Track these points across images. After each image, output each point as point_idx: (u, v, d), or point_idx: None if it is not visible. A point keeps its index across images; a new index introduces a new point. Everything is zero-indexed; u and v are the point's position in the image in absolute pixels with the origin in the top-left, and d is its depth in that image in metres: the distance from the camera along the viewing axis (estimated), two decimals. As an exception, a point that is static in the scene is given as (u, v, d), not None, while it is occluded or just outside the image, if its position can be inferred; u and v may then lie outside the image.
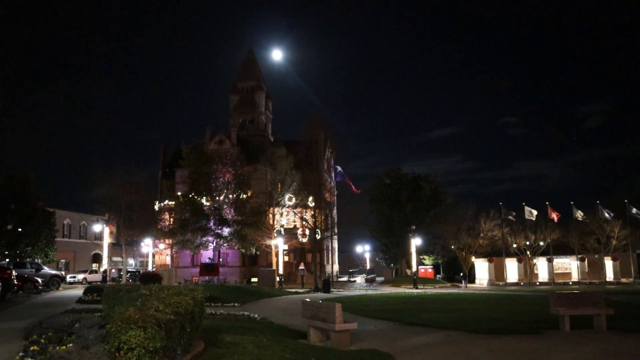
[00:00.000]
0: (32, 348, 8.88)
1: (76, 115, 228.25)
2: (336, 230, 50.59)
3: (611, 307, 15.80)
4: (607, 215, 54.42)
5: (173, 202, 51.37)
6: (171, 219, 51.16)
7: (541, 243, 54.79)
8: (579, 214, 55.36)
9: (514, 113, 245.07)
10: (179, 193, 49.56)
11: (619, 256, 55.54)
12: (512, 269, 56.11)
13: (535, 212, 54.88)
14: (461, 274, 54.56)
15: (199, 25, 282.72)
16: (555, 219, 55.24)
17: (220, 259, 51.94)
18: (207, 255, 50.84)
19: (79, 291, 30.00)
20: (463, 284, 51.53)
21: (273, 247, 51.12)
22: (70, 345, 8.66)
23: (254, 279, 49.19)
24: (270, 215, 51.53)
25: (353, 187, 50.18)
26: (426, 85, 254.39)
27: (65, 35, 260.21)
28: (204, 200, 45.50)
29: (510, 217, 55.35)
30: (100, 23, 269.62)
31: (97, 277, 49.23)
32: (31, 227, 46.60)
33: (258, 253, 53.71)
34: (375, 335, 14.90)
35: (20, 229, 45.84)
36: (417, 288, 43.99)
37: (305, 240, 52.36)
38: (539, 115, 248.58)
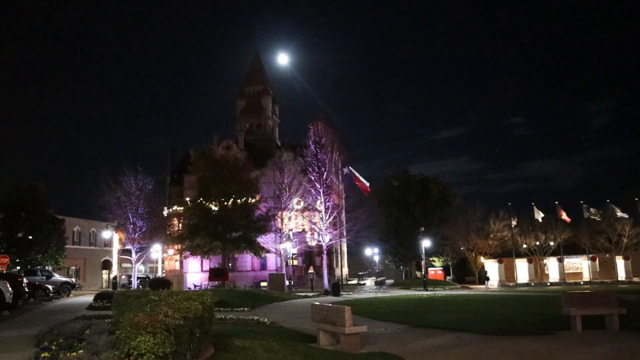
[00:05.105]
0: (43, 355, 8.92)
1: (83, 122, 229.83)
2: (345, 233, 50.43)
3: (623, 307, 15.63)
4: (619, 214, 53.94)
5: (182, 208, 51.48)
6: (180, 225, 51.28)
7: (551, 243, 54.42)
8: (592, 211, 54.91)
9: (520, 113, 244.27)
10: (188, 198, 49.68)
11: (630, 255, 55.07)
12: (522, 270, 55.78)
13: (541, 215, 54.55)
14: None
15: (205, 31, 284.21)
16: (567, 220, 54.89)
17: (230, 264, 51.93)
18: (216, 260, 50.86)
19: (89, 298, 30.14)
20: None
21: (282, 251, 51.07)
22: (81, 351, 8.67)
23: (264, 283, 49.19)
24: (279, 220, 51.54)
25: (365, 185, 50.02)
26: (432, 87, 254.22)
27: (72, 41, 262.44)
28: (212, 206, 45.61)
29: (512, 221, 55.20)
30: (107, 30, 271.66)
31: None
32: (41, 234, 46.89)
33: (267, 257, 53.68)
34: (386, 337, 14.83)
35: (30, 237, 46.14)
36: (427, 290, 43.81)
37: (314, 243, 52.28)
38: (545, 115, 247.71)
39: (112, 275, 56.60)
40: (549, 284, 53.09)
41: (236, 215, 44.75)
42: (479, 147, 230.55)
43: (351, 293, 42.17)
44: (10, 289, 22.92)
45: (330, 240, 44.77)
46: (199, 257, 49.71)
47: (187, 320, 7.89)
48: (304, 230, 53.91)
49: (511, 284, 53.53)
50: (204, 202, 45.24)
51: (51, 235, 48.19)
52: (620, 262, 55.37)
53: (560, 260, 54.55)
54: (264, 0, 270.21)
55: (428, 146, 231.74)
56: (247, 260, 56.95)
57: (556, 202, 56.10)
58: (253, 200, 47.55)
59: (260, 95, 73.71)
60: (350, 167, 48.18)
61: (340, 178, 51.46)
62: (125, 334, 6.74)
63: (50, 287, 34.96)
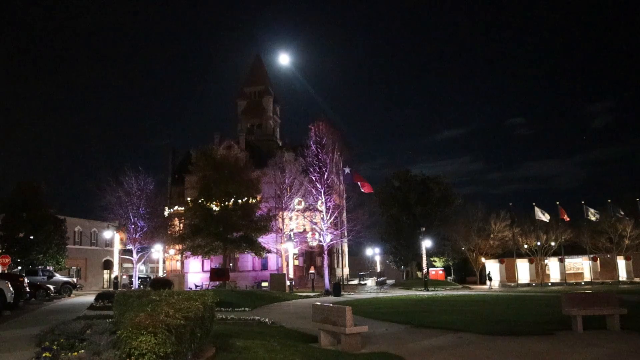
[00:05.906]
0: (44, 355, 8.92)
1: (85, 122, 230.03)
2: (346, 233, 50.45)
3: (624, 307, 15.63)
4: (619, 214, 53.96)
5: (183, 208, 51.52)
6: (181, 225, 51.30)
7: (552, 243, 54.40)
8: (592, 212, 54.91)
9: (521, 113, 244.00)
10: (189, 198, 49.72)
11: (631, 255, 55.06)
12: (523, 270, 55.78)
13: (547, 216, 54.53)
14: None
15: (206, 31, 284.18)
16: (566, 218, 54.92)
17: (231, 264, 51.87)
18: (217, 260, 50.86)
19: (90, 298, 30.13)
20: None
21: (283, 251, 51.03)
22: (82, 351, 8.69)
23: (265, 283, 49.20)
24: (280, 220, 51.54)
25: (366, 185, 50.07)
26: (433, 87, 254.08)
27: (73, 41, 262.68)
28: (213, 206, 45.68)
29: (512, 223, 55.28)
30: (108, 30, 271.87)
31: None
32: (42, 234, 46.96)
33: (268, 257, 53.69)
34: (386, 338, 14.83)
35: (31, 237, 46.21)
36: (427, 290, 43.79)
37: (314, 244, 52.29)
38: (546, 115, 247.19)
39: (113, 275, 56.63)
40: (550, 284, 53.09)
41: (237, 216, 44.75)
42: (480, 148, 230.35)
43: (352, 293, 42.15)
44: (11, 288, 22.93)
45: (331, 240, 44.77)
46: (200, 257, 49.77)
47: (188, 320, 7.90)
48: (305, 230, 53.90)
49: (512, 284, 53.53)
50: (205, 202, 45.28)
51: (52, 235, 48.24)
52: (621, 263, 55.37)
53: (561, 261, 54.55)
54: (265, 1, 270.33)
55: (429, 146, 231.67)
56: (248, 260, 56.96)
57: (557, 202, 56.13)
58: (254, 201, 47.58)
59: (261, 96, 73.75)
60: (348, 170, 48.31)
61: (341, 178, 51.49)
62: (127, 333, 6.74)
63: (51, 287, 34.95)
